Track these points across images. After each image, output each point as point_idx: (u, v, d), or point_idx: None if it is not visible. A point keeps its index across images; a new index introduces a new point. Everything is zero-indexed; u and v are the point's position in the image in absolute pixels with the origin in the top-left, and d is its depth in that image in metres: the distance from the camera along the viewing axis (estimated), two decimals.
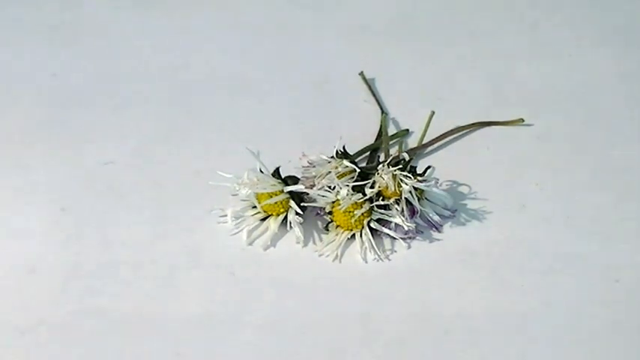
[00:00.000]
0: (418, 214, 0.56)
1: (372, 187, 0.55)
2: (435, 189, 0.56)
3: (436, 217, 0.56)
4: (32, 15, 0.78)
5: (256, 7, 0.79)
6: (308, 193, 0.56)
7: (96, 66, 0.73)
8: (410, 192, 0.55)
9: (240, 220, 0.57)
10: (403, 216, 0.55)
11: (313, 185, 0.56)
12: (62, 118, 0.67)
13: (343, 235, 0.55)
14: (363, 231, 0.55)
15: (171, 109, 0.68)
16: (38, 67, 0.72)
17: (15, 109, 0.68)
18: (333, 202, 0.55)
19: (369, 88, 0.68)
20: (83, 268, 0.55)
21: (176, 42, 0.75)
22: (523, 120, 0.65)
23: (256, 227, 0.57)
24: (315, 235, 0.57)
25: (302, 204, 0.56)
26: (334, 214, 0.55)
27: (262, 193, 0.55)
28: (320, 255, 0.55)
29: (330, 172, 0.56)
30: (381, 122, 0.64)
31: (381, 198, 0.55)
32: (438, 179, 0.57)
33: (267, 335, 0.51)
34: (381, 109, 0.66)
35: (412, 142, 0.64)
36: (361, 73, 0.69)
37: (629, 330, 0.51)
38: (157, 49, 0.74)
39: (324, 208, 0.56)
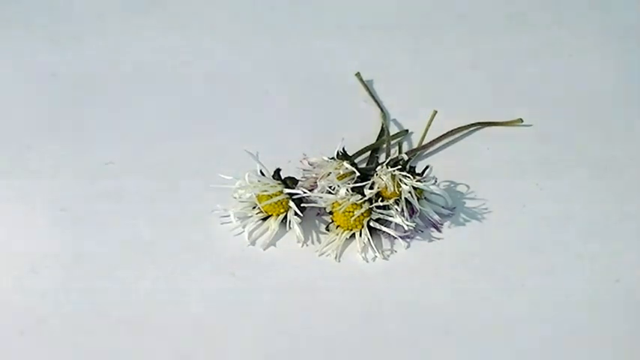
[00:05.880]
0: (417, 214, 0.56)
1: (371, 188, 0.55)
2: (433, 187, 0.56)
3: (436, 217, 0.56)
4: (32, 15, 0.78)
5: (256, 7, 0.79)
6: (308, 196, 0.56)
7: (96, 66, 0.73)
8: (409, 192, 0.55)
9: (242, 220, 0.57)
10: (403, 216, 0.55)
11: (314, 185, 0.56)
12: (62, 118, 0.67)
13: (343, 234, 0.55)
14: (363, 230, 0.55)
15: (172, 108, 0.68)
16: (38, 67, 0.72)
17: (15, 109, 0.68)
18: (333, 202, 0.55)
19: (367, 88, 0.68)
20: (83, 267, 0.55)
21: (176, 42, 0.75)
22: (522, 120, 0.65)
23: (257, 227, 0.57)
24: (315, 235, 0.57)
25: (302, 204, 0.56)
26: (334, 214, 0.55)
27: (263, 194, 0.55)
28: (320, 255, 0.55)
29: (330, 172, 0.56)
30: (382, 122, 0.64)
31: (380, 199, 0.55)
32: (436, 178, 0.57)
33: (267, 335, 0.51)
34: (381, 109, 0.66)
35: (412, 142, 0.64)
36: (358, 74, 0.69)
37: (629, 330, 0.51)
38: (156, 49, 0.74)
39: (324, 208, 0.56)
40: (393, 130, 0.65)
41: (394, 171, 0.55)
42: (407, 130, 0.65)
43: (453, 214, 0.58)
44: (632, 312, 0.52)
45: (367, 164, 0.61)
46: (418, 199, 0.55)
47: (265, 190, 0.55)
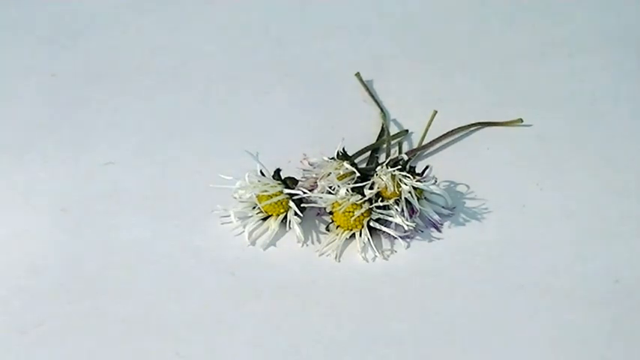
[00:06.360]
0: (417, 214, 0.56)
1: (371, 188, 0.55)
2: (433, 187, 0.56)
3: (436, 217, 0.56)
4: (32, 15, 0.78)
5: (256, 7, 0.79)
6: (308, 196, 0.56)
7: (96, 66, 0.73)
8: (409, 192, 0.55)
9: (242, 220, 0.57)
10: (403, 216, 0.55)
11: (314, 185, 0.56)
12: (62, 118, 0.67)
13: (343, 234, 0.55)
14: (363, 230, 0.55)
15: (172, 109, 0.68)
16: (38, 67, 0.73)
17: (15, 109, 0.68)
18: (333, 202, 0.55)
19: (366, 88, 0.68)
20: (83, 268, 0.55)
21: (176, 42, 0.75)
22: (522, 120, 0.65)
23: (257, 227, 0.57)
24: (315, 235, 0.57)
25: (302, 204, 0.56)
26: (334, 214, 0.55)
27: (263, 194, 0.55)
28: (320, 255, 0.55)
29: (330, 173, 0.56)
30: (382, 122, 0.64)
31: (380, 199, 0.55)
32: (436, 178, 0.57)
33: (267, 335, 0.51)
34: (381, 109, 0.66)
35: (412, 142, 0.64)
36: (358, 74, 0.69)
37: (629, 330, 0.51)
38: (157, 49, 0.74)
39: (324, 208, 0.56)
40: (393, 130, 0.65)
41: (394, 171, 0.55)
42: (407, 130, 0.65)
43: (453, 214, 0.58)
44: (632, 312, 0.52)
45: (367, 164, 0.61)
46: (418, 199, 0.55)
47: (265, 190, 0.55)
